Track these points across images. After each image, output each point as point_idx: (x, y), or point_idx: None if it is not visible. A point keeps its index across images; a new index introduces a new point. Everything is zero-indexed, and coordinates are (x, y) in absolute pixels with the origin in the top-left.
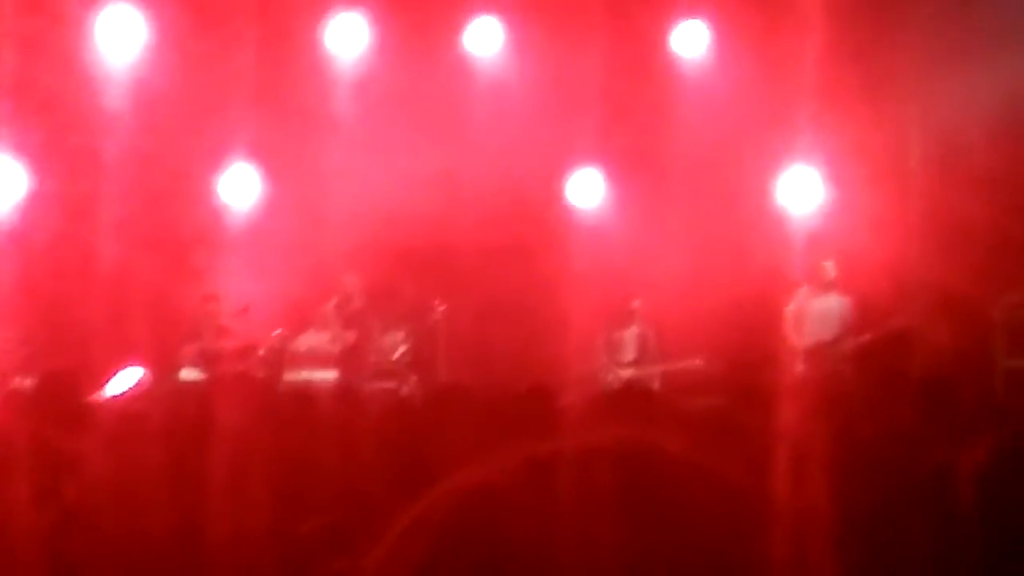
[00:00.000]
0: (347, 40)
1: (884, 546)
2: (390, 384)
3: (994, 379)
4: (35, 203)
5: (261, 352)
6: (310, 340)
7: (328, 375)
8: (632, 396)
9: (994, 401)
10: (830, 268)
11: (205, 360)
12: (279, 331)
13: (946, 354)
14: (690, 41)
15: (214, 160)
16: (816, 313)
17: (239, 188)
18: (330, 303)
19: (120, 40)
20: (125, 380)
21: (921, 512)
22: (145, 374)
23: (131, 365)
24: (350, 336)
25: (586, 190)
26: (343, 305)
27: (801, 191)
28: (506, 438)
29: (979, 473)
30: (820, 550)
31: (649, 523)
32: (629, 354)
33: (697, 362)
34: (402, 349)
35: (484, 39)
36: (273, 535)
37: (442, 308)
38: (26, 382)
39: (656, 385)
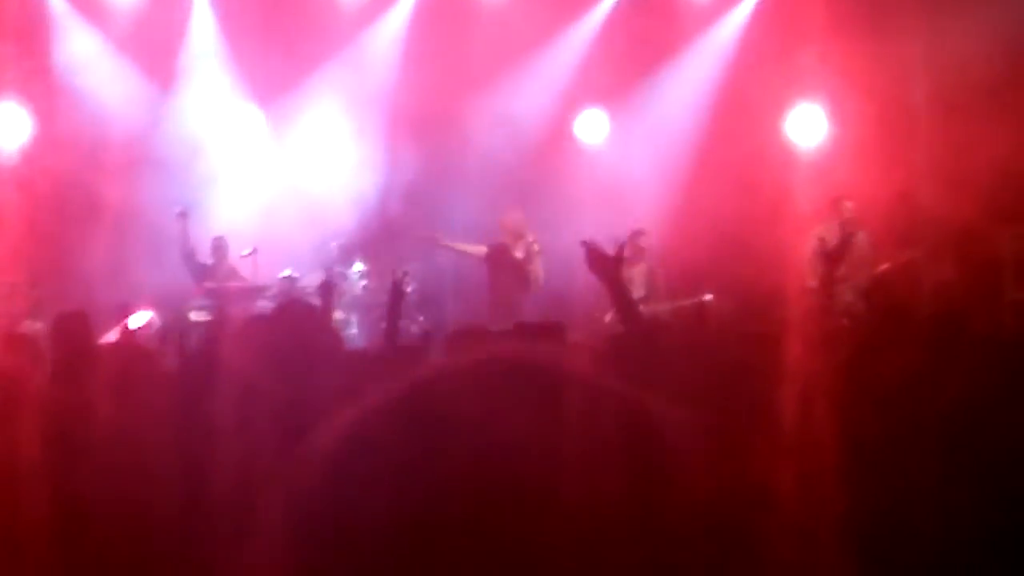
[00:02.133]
0: None
1: (892, 482)
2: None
3: (1002, 311)
4: (39, 146)
5: (271, 292)
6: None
7: (336, 315)
8: (645, 332)
9: (1002, 333)
10: (848, 207)
11: (214, 301)
12: (288, 271)
13: (953, 288)
14: None
15: (224, 104)
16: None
17: (246, 131)
18: (335, 242)
19: None
20: (135, 322)
21: (930, 447)
22: (154, 316)
23: (140, 307)
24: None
25: (594, 127)
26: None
27: (807, 128)
28: (517, 377)
29: (985, 407)
30: (828, 487)
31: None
32: (638, 291)
33: (707, 297)
34: (410, 288)
35: None
36: (278, 478)
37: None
38: (36, 325)
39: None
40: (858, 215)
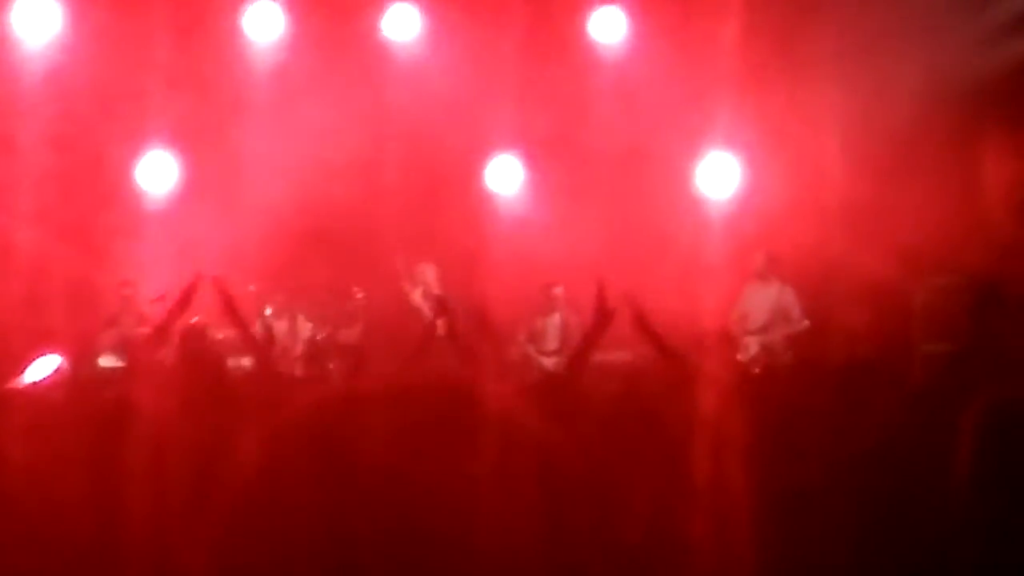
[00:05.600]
0: (265, 26)
1: (802, 534)
2: (309, 371)
3: (913, 363)
4: None
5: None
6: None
7: (245, 362)
8: (553, 386)
9: (911, 385)
10: (759, 258)
11: (123, 347)
12: (196, 318)
13: (865, 339)
14: (608, 27)
15: (132, 146)
16: (753, 302)
17: (157, 174)
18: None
19: (36, 27)
20: (42, 368)
21: (840, 499)
22: (62, 362)
23: (48, 353)
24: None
25: (505, 176)
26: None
27: (720, 177)
28: (425, 430)
29: (896, 456)
30: (739, 536)
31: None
32: (552, 343)
33: (622, 353)
34: (320, 336)
35: (402, 25)
36: (190, 525)
37: (361, 295)
38: None
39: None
40: (775, 265)
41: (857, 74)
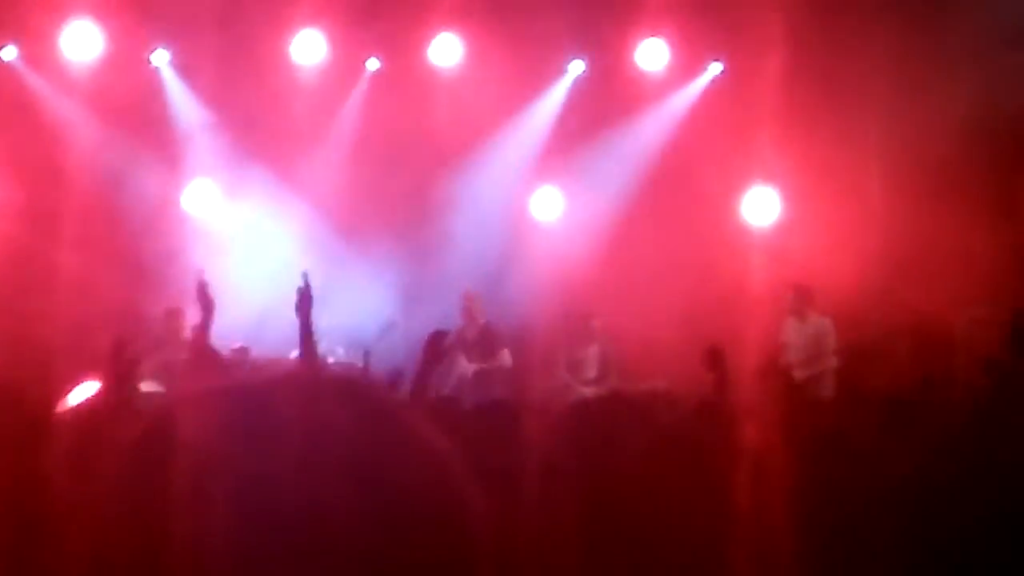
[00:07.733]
0: (310, 55)
1: (843, 567)
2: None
3: (954, 396)
4: None
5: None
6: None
7: None
8: (596, 409)
9: (954, 416)
10: (791, 294)
11: (165, 373)
12: (239, 345)
13: (907, 371)
14: (652, 57)
15: (176, 175)
16: (791, 337)
17: (203, 201)
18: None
19: (83, 51)
20: (84, 393)
21: (881, 532)
22: (102, 387)
23: (90, 378)
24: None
25: (548, 206)
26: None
27: (763, 209)
28: (468, 453)
29: (936, 488)
30: (780, 568)
31: None
32: (590, 372)
33: (660, 383)
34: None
35: (446, 53)
36: (236, 552)
37: (399, 324)
38: None
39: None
40: (810, 300)
41: (901, 108)
